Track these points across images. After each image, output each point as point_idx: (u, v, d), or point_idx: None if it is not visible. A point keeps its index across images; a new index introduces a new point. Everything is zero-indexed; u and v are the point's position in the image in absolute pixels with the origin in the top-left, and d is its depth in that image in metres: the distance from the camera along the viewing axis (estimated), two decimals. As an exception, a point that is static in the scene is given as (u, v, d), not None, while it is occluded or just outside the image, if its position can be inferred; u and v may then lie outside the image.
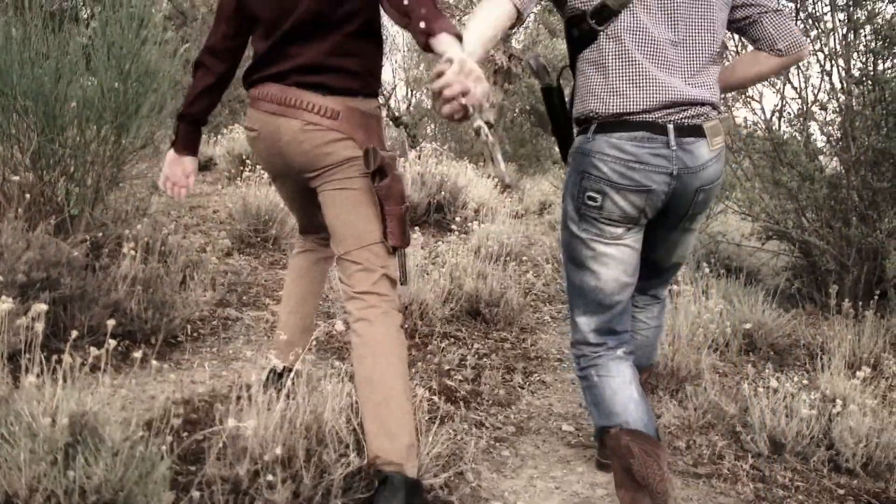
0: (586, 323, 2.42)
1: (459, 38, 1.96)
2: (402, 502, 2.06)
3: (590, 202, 2.29)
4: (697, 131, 2.24)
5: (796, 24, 3.82)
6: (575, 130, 2.44)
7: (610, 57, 2.23)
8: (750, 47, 2.46)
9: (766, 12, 2.33)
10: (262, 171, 5.81)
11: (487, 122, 2.51)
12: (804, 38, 2.37)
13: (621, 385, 2.33)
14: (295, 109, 2.28)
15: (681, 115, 2.21)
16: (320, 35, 2.27)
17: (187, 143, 2.59)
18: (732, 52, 5.07)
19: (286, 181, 2.56)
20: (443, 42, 1.93)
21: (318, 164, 2.32)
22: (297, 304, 2.83)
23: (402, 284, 2.46)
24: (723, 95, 2.57)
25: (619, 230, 2.31)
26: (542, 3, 3.01)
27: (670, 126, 2.20)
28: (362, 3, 2.24)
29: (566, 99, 2.52)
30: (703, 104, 2.24)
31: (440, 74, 1.82)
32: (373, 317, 2.29)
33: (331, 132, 2.28)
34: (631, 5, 2.20)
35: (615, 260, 2.33)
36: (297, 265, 2.87)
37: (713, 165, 2.29)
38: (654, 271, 2.64)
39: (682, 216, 2.39)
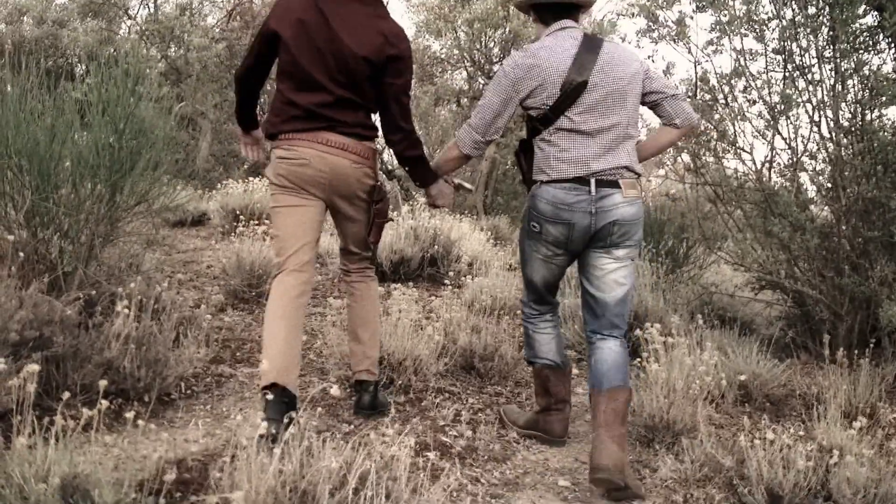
0: (528, 296, 3.60)
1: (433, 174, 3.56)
2: (375, 398, 3.57)
3: (533, 229, 3.32)
4: (614, 185, 3.20)
5: (783, 75, 4.21)
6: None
7: (552, 145, 3.25)
8: (658, 123, 3.51)
9: (666, 97, 3.33)
10: (255, 226, 5.83)
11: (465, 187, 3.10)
12: (694, 114, 3.39)
13: (546, 339, 3.58)
14: (345, 151, 3.26)
15: (600, 174, 3.19)
16: (358, 106, 3.30)
17: (249, 126, 3.59)
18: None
19: (314, 203, 3.33)
20: (430, 190, 3.58)
21: (355, 189, 3.35)
22: (288, 336, 3.16)
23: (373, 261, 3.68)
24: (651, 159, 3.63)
25: (550, 252, 3.34)
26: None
27: (593, 180, 3.18)
28: (373, 92, 3.31)
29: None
30: (616, 168, 3.21)
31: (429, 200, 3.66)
32: (364, 280, 3.62)
33: (365, 167, 3.34)
34: (567, 110, 3.18)
35: (543, 269, 3.43)
36: (288, 296, 3.22)
37: (625, 207, 3.20)
38: (602, 310, 3.33)
39: (606, 243, 3.25)
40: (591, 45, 3.22)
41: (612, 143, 3.21)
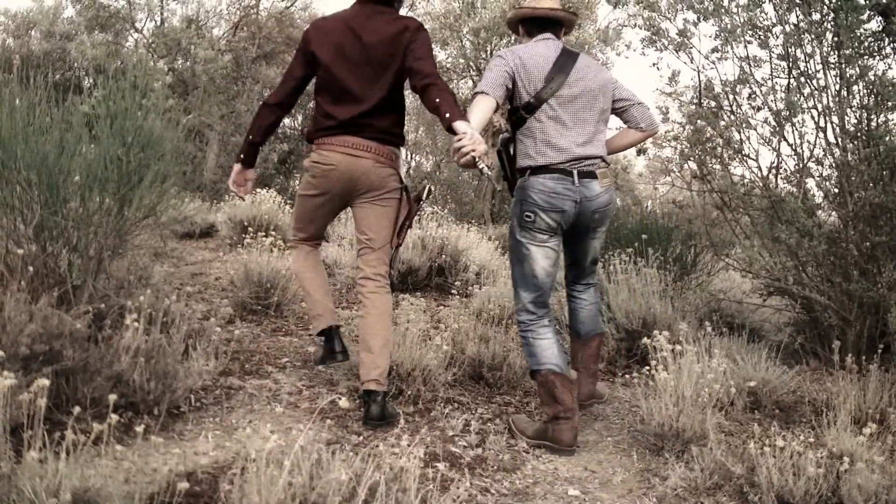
0: (526, 297, 3.79)
1: (468, 121, 3.33)
2: (383, 408, 3.56)
3: (527, 219, 3.70)
4: (592, 175, 3.71)
5: (788, 82, 4.33)
6: (518, 176, 3.84)
7: (537, 132, 3.72)
8: (623, 125, 4.00)
9: (633, 104, 3.89)
10: (262, 238, 5.85)
11: (488, 167, 3.18)
12: (658, 120, 3.99)
13: (548, 344, 3.72)
14: (369, 153, 3.66)
15: (581, 165, 3.68)
16: (384, 112, 3.70)
17: (251, 159, 3.97)
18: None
19: (336, 200, 3.83)
20: (459, 126, 3.25)
21: (377, 187, 3.72)
22: (324, 289, 4.04)
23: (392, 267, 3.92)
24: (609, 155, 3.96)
25: (545, 237, 3.71)
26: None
27: (575, 171, 3.67)
28: (400, 95, 3.76)
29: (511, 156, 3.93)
30: (593, 158, 3.72)
31: (460, 139, 3.20)
32: (379, 292, 3.75)
33: (388, 168, 3.73)
34: (545, 104, 3.68)
35: (542, 257, 3.73)
36: (312, 265, 4.07)
37: (603, 196, 3.75)
38: (581, 269, 4.06)
39: (587, 228, 3.82)
40: (569, 53, 3.82)
41: (588, 134, 3.74)
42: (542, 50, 3.79)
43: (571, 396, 3.65)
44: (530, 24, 3.94)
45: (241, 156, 3.95)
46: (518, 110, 3.78)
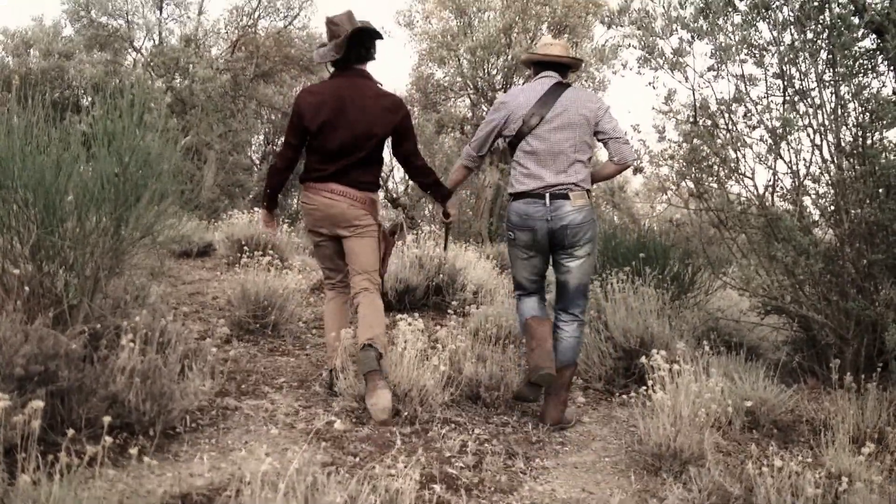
0: (516, 285, 4.48)
1: (450, 191, 4.64)
2: (377, 356, 3.96)
3: (509, 237, 4.37)
4: (564, 196, 4.17)
5: (784, 100, 5.04)
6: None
7: (517, 162, 4.31)
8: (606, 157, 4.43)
9: (610, 139, 4.26)
10: (259, 258, 5.85)
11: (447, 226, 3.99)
12: (631, 155, 4.32)
13: (530, 304, 4.40)
14: (345, 197, 4.24)
15: (553, 189, 4.18)
16: (365, 167, 4.30)
17: (273, 204, 4.66)
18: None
19: (327, 239, 4.39)
20: (448, 204, 4.64)
21: (352, 224, 4.26)
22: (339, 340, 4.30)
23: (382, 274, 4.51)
24: (594, 183, 4.44)
25: (525, 255, 4.35)
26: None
27: (547, 194, 4.18)
28: (380, 154, 4.39)
29: None
30: (566, 185, 4.17)
31: (447, 215, 4.72)
32: (370, 292, 4.27)
33: (361, 209, 4.27)
34: (524, 140, 4.24)
35: (522, 268, 4.40)
36: (334, 308, 4.53)
37: (574, 214, 4.16)
38: (566, 295, 4.37)
39: (564, 244, 4.22)
40: (556, 89, 4.29)
41: (564, 165, 4.20)
42: (529, 91, 4.35)
43: (546, 331, 4.21)
44: (539, 66, 4.47)
45: (265, 203, 4.65)
46: (505, 141, 4.44)
